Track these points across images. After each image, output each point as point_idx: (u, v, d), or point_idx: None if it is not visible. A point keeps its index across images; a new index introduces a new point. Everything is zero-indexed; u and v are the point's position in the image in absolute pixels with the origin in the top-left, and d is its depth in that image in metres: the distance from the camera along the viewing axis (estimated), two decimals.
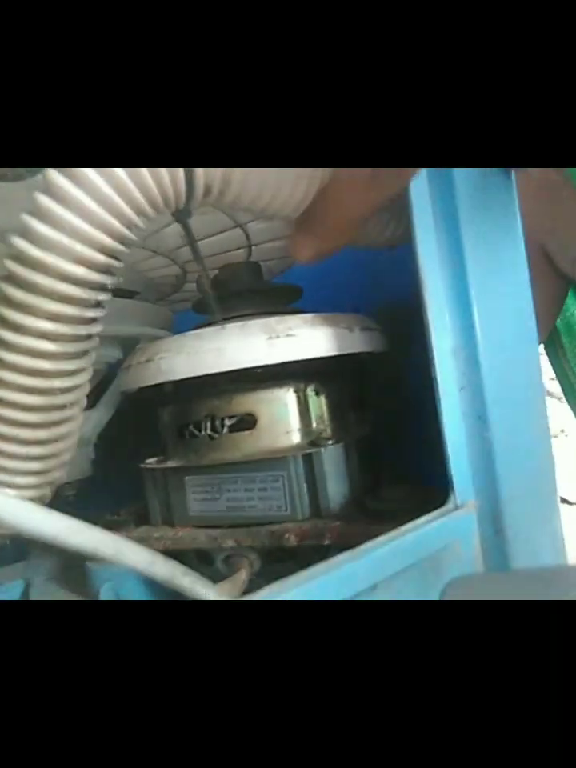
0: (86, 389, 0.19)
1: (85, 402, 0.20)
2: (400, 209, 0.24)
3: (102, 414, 0.33)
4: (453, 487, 0.18)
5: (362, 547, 0.17)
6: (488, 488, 0.19)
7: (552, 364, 0.48)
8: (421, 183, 0.20)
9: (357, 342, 0.24)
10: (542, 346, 0.45)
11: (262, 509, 0.24)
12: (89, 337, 0.18)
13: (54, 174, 0.15)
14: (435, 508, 0.19)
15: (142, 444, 0.29)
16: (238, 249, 0.33)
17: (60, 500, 0.34)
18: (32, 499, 0.19)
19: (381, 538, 0.17)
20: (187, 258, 0.34)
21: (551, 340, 0.46)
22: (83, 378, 0.19)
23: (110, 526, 0.28)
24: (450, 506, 0.18)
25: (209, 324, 0.27)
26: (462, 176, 0.20)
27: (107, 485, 0.36)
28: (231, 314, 0.27)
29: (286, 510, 0.23)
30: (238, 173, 0.18)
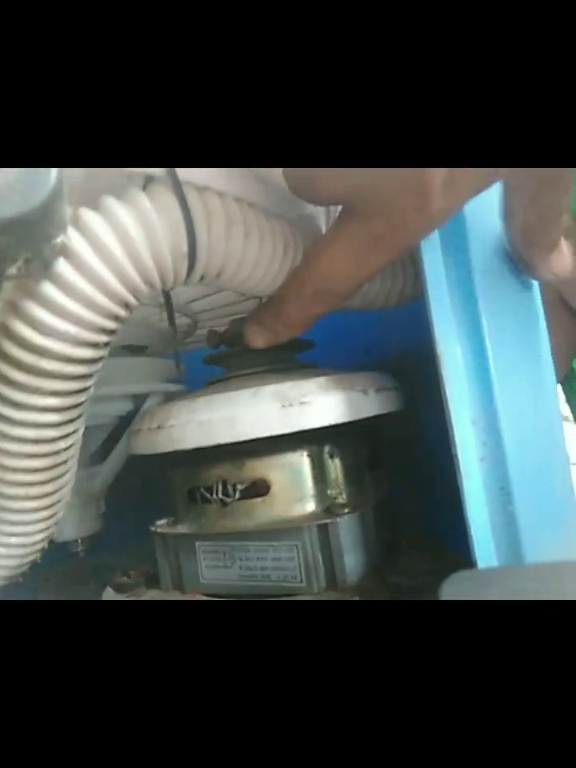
0: (81, 433, 0.21)
1: (80, 443, 0.21)
2: (401, 268, 0.24)
3: (110, 469, 0.33)
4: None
5: None
6: None
7: (569, 402, 0.48)
8: (434, 247, 0.20)
9: (372, 405, 0.23)
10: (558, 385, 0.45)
11: (275, 579, 0.23)
12: (87, 399, 0.19)
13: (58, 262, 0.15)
14: None
15: (152, 499, 0.28)
16: (248, 299, 0.33)
17: (70, 556, 0.33)
18: (42, 540, 0.22)
19: None
20: (199, 309, 0.34)
21: (568, 379, 0.46)
22: (81, 429, 0.20)
23: (121, 588, 0.27)
24: None
25: (220, 380, 0.27)
26: (476, 245, 0.20)
27: (116, 536, 0.36)
28: (241, 369, 0.26)
29: (301, 582, 0.22)
30: (232, 265, 0.19)
